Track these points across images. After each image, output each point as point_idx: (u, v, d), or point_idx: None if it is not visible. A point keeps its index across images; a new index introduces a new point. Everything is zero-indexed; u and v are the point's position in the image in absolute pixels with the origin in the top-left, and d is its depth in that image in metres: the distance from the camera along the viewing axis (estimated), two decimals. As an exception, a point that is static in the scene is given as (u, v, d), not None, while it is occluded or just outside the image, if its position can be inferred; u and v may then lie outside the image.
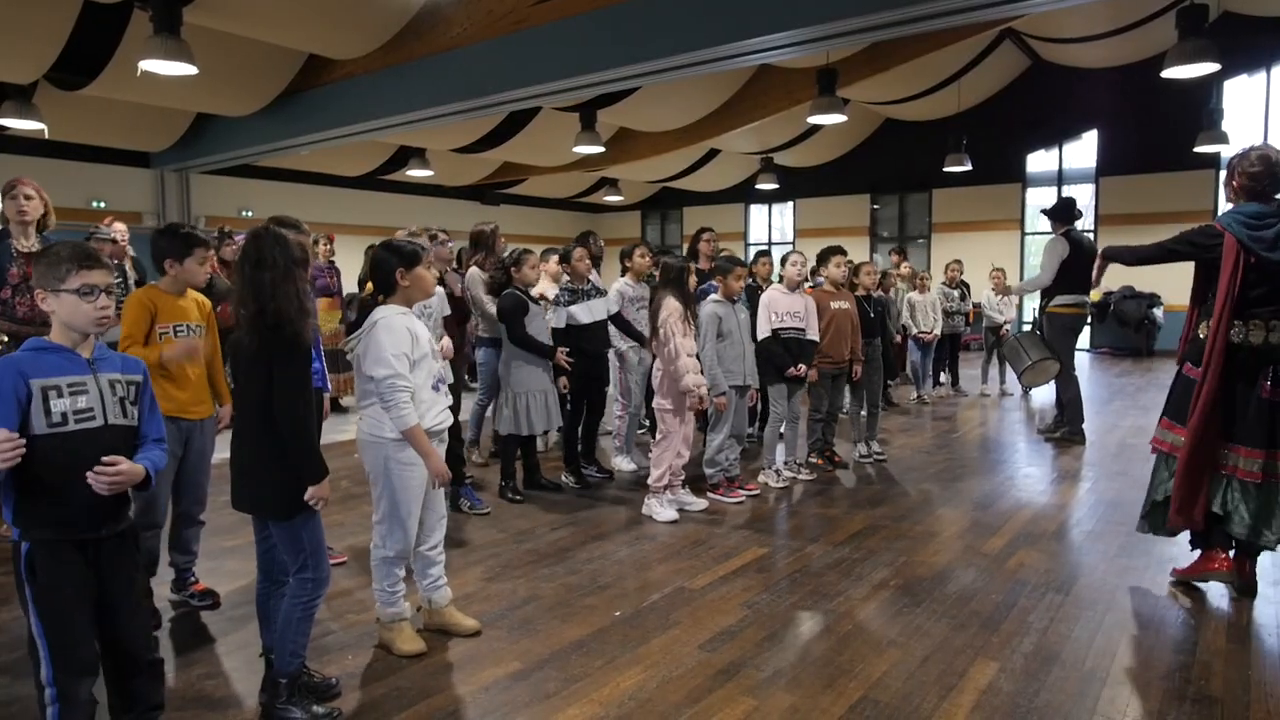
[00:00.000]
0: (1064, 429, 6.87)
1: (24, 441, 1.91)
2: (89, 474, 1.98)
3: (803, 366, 5.27)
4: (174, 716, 2.48)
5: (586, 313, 5.24)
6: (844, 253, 5.79)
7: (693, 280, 4.84)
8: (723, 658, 2.96)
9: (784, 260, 5.54)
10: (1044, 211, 7.09)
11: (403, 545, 2.98)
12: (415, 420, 2.83)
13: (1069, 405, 6.85)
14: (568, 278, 5.40)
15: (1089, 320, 6.83)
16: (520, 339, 4.88)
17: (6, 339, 4.18)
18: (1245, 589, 3.52)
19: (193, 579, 3.49)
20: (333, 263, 7.95)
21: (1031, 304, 14.89)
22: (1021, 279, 15.18)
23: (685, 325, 4.67)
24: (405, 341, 2.86)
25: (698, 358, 4.89)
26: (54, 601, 1.99)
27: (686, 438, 4.81)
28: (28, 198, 4.19)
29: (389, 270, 2.93)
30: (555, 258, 5.89)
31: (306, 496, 2.45)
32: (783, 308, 5.30)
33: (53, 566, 1.98)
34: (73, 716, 2.03)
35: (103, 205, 12.20)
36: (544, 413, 4.98)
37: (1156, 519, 3.68)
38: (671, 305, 4.68)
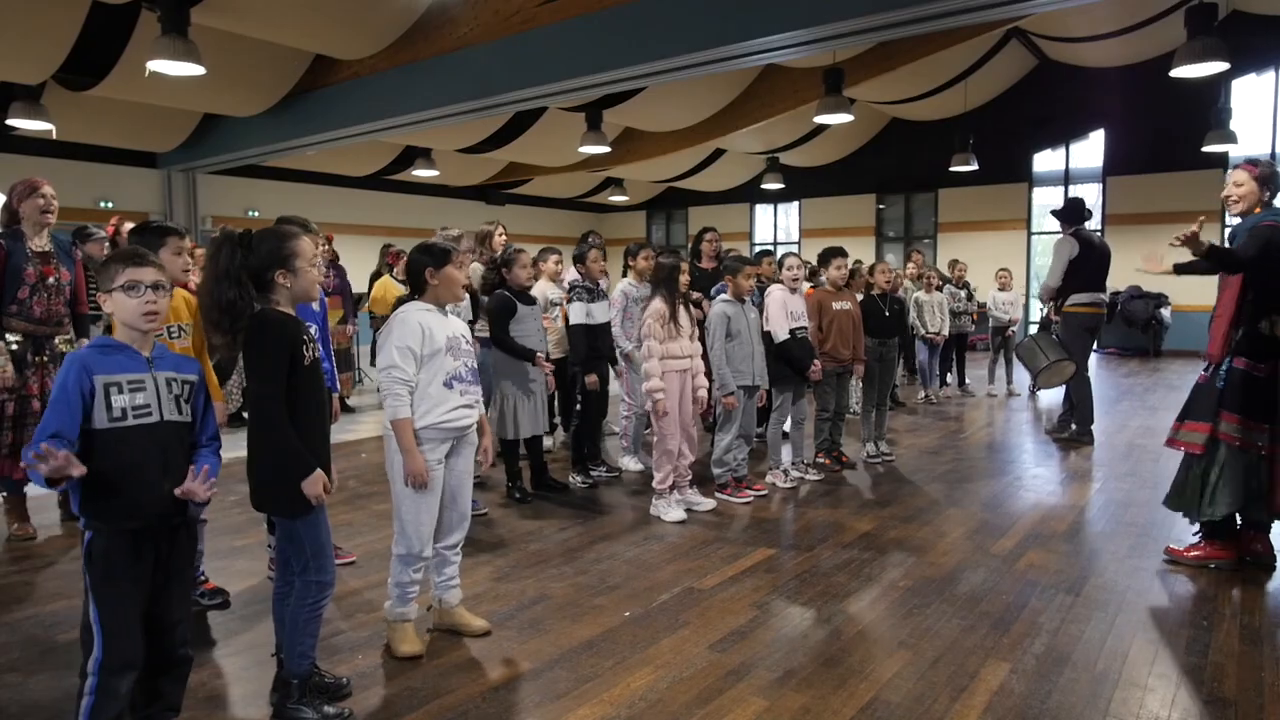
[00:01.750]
0: (1072, 429, 6.85)
1: (83, 469, 1.95)
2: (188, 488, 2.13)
3: (817, 363, 5.30)
4: (185, 716, 2.48)
5: (602, 312, 5.26)
6: (845, 254, 5.79)
7: (684, 279, 4.81)
8: (733, 658, 2.95)
9: (781, 263, 5.55)
10: (1053, 213, 7.04)
11: (414, 543, 2.97)
12: (406, 414, 2.84)
13: (1079, 405, 6.82)
14: (577, 275, 5.40)
15: (1106, 319, 6.80)
16: (501, 341, 4.82)
17: (21, 338, 4.20)
18: (1269, 564, 3.78)
19: (202, 578, 3.49)
20: (333, 261, 7.96)
21: (1038, 304, 14.87)
22: (1029, 278, 15.17)
23: (665, 328, 4.62)
24: (414, 336, 2.88)
25: (704, 358, 4.90)
26: (108, 590, 2.08)
27: (690, 438, 4.80)
28: (52, 197, 4.22)
29: (419, 270, 2.98)
30: (554, 257, 5.88)
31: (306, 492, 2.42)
32: (795, 307, 5.32)
33: (109, 556, 2.08)
34: (106, 709, 2.07)
35: (110, 205, 12.24)
36: (532, 416, 4.91)
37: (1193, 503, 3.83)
38: (654, 307, 4.66)
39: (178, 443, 2.19)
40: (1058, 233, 6.91)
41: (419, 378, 2.89)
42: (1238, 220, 3.83)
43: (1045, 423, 7.73)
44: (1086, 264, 6.51)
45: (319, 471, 2.42)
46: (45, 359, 4.27)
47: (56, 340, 4.33)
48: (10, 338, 4.15)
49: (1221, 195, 3.79)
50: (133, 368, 2.13)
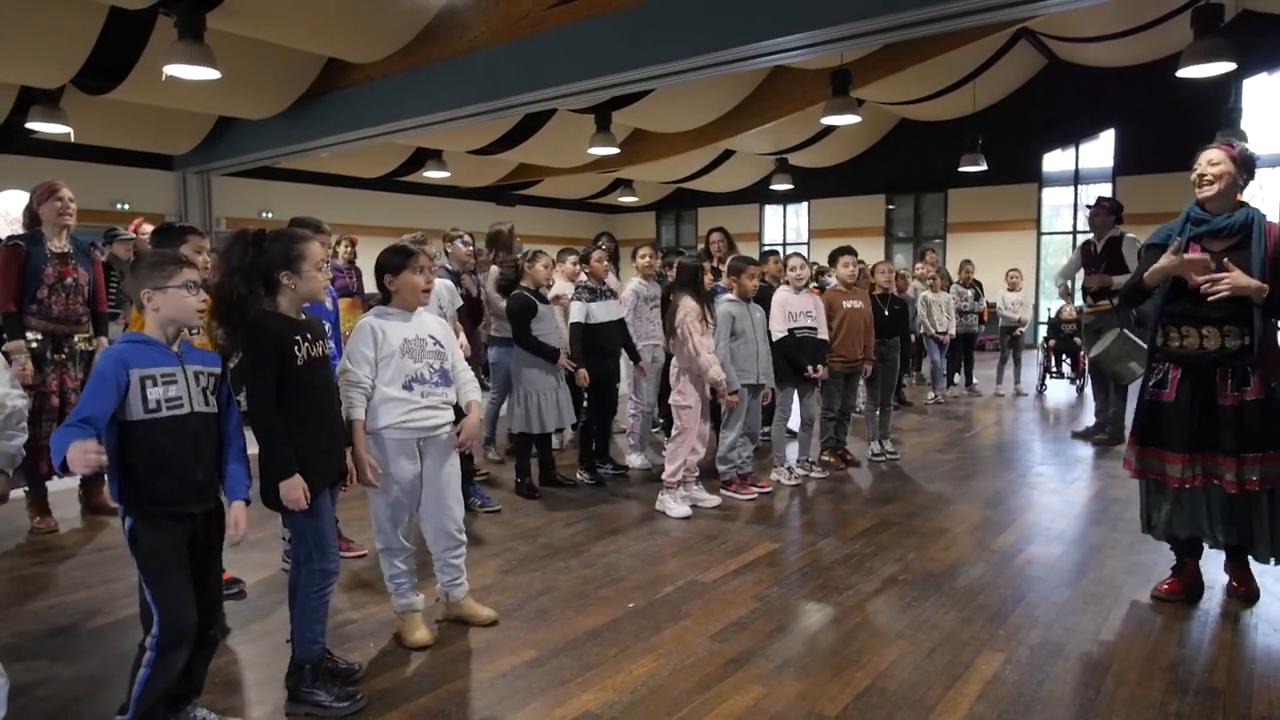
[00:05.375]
0: (1089, 428, 6.88)
1: (104, 457, 2.04)
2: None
3: (821, 368, 5.34)
4: (204, 699, 2.57)
5: (604, 311, 5.34)
6: (853, 253, 5.87)
7: (708, 278, 4.91)
8: (733, 647, 3.03)
9: (786, 262, 5.62)
10: (1105, 200, 6.89)
11: (386, 537, 3.06)
12: (356, 415, 2.91)
13: (1105, 404, 6.79)
14: (585, 277, 5.49)
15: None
16: (525, 341, 4.93)
17: (40, 337, 4.32)
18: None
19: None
20: (352, 263, 8.07)
21: (1048, 304, 14.84)
22: (1039, 279, 15.13)
23: (703, 324, 4.74)
24: (366, 341, 2.95)
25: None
26: (157, 565, 2.21)
27: (702, 435, 4.88)
28: (70, 200, 4.34)
29: (379, 276, 3.06)
30: (572, 258, 5.97)
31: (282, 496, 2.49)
32: (796, 307, 5.38)
33: (153, 535, 2.20)
34: (161, 679, 2.22)
35: (126, 207, 12.42)
36: (555, 410, 5.04)
37: None
38: (688, 305, 4.76)
39: (207, 432, 2.32)
40: (1067, 233, 6.89)
41: (378, 380, 2.95)
42: (1211, 212, 3.27)
43: (1054, 423, 7.75)
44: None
45: (298, 477, 2.48)
46: (64, 357, 4.40)
47: (75, 338, 4.46)
48: (30, 336, 4.27)
49: (1194, 175, 3.27)
50: (165, 361, 2.25)
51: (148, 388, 2.19)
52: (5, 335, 4.23)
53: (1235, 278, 3.06)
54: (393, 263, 3.03)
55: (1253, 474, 3.18)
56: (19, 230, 4.48)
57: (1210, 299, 3.10)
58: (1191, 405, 3.28)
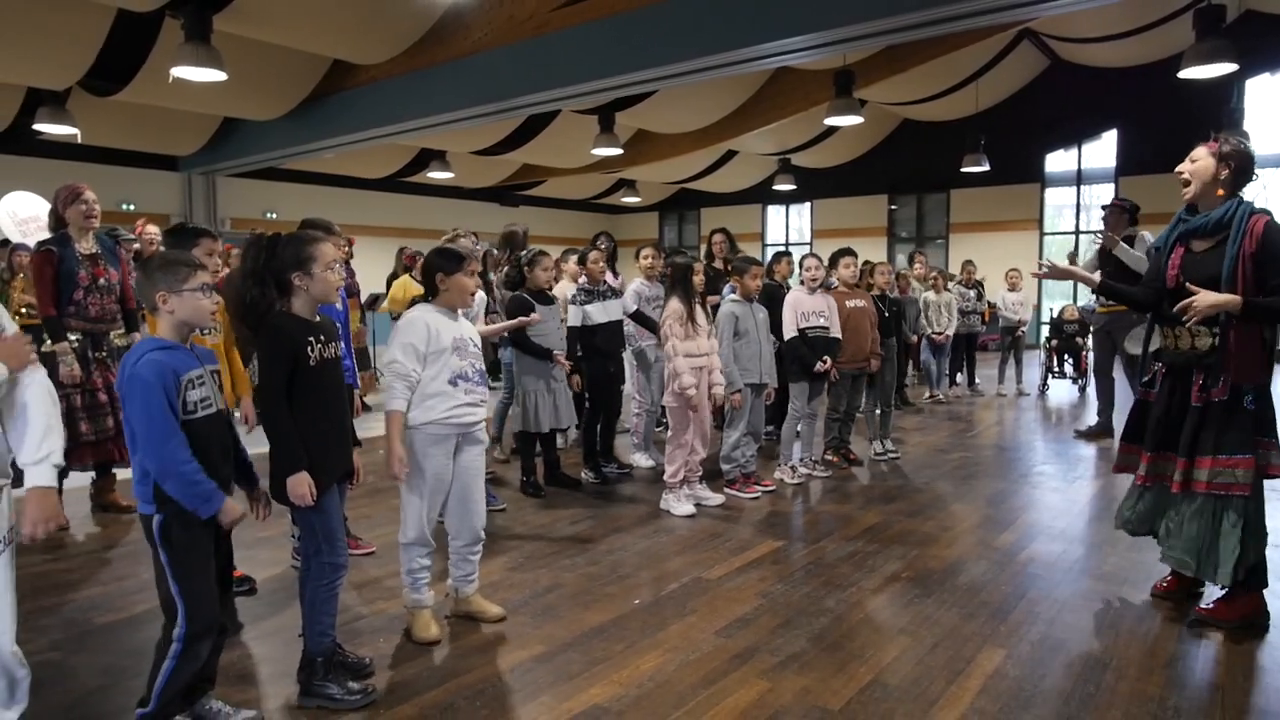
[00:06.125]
0: (1094, 426, 6.93)
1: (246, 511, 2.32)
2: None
3: (829, 360, 5.37)
4: (218, 692, 2.61)
5: (602, 312, 5.37)
6: (853, 254, 5.94)
7: (699, 279, 4.92)
8: (738, 643, 3.07)
9: (802, 263, 5.66)
10: (1122, 203, 6.87)
11: (416, 531, 3.10)
12: (397, 408, 2.99)
13: (1107, 400, 6.86)
14: (584, 279, 5.54)
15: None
16: (518, 341, 4.96)
17: (80, 337, 4.40)
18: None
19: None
20: (347, 262, 8.12)
21: (1050, 304, 14.86)
22: (1041, 280, 15.14)
23: (684, 327, 4.75)
24: (418, 335, 3.02)
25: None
26: (189, 561, 2.26)
27: (704, 435, 4.92)
28: (94, 201, 4.42)
29: (431, 274, 3.13)
30: (574, 258, 6.02)
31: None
32: (808, 307, 5.42)
33: (187, 532, 2.24)
34: (186, 670, 2.28)
35: (132, 208, 12.48)
36: (552, 411, 5.04)
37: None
38: (672, 306, 4.79)
39: (228, 429, 2.40)
40: (1069, 233, 6.92)
41: (424, 375, 3.03)
42: (1198, 211, 3.18)
43: (1056, 423, 7.78)
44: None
45: (305, 474, 2.54)
46: (104, 354, 4.52)
47: (111, 335, 4.57)
48: (71, 337, 4.37)
49: (1175, 170, 3.22)
50: (193, 365, 2.30)
51: (188, 391, 2.25)
52: (49, 338, 4.31)
53: (1202, 299, 2.97)
54: (448, 265, 3.12)
55: (1200, 475, 3.13)
56: (31, 230, 4.55)
57: (1187, 324, 3.09)
58: (1168, 405, 3.29)
